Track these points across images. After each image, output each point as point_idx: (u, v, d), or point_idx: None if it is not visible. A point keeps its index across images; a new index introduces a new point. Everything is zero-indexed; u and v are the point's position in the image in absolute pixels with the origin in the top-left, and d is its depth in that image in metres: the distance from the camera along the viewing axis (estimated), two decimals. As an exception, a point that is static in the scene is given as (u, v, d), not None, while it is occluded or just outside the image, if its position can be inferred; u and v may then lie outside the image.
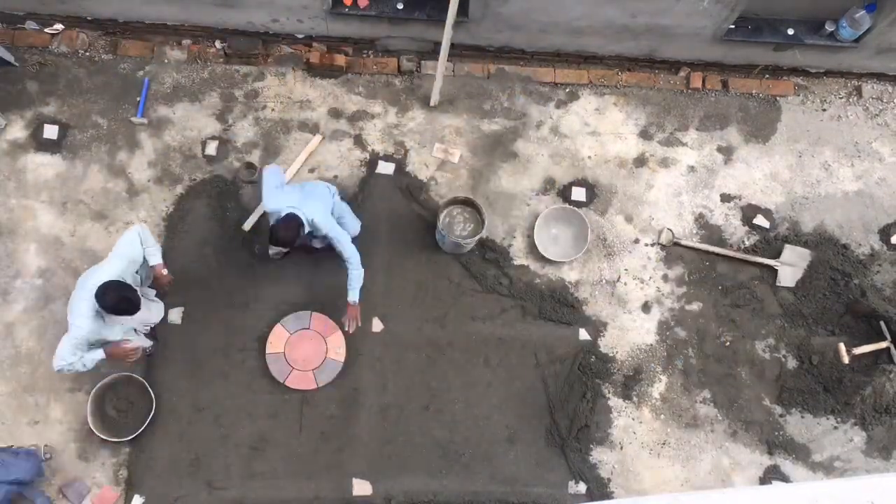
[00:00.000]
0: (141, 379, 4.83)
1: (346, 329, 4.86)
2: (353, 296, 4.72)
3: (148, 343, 4.79)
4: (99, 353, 4.29)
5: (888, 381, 5.14)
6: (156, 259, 4.57)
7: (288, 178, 5.34)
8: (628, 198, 5.59)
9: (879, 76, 5.95)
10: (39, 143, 5.38)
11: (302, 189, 4.70)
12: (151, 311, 4.75)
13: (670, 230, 5.50)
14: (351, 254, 4.62)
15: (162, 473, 4.82)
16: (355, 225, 5.08)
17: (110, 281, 4.13)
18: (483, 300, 5.28)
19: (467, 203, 5.25)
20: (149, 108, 5.51)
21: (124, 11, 5.47)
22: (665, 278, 5.44)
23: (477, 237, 5.13)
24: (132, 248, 4.38)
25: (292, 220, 4.40)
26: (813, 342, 5.33)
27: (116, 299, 4.08)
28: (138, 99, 5.49)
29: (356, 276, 4.67)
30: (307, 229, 4.51)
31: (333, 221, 4.65)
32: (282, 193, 4.58)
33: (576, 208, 5.44)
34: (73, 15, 5.52)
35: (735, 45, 5.56)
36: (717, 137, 5.77)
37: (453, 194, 5.40)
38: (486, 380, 5.13)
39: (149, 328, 4.84)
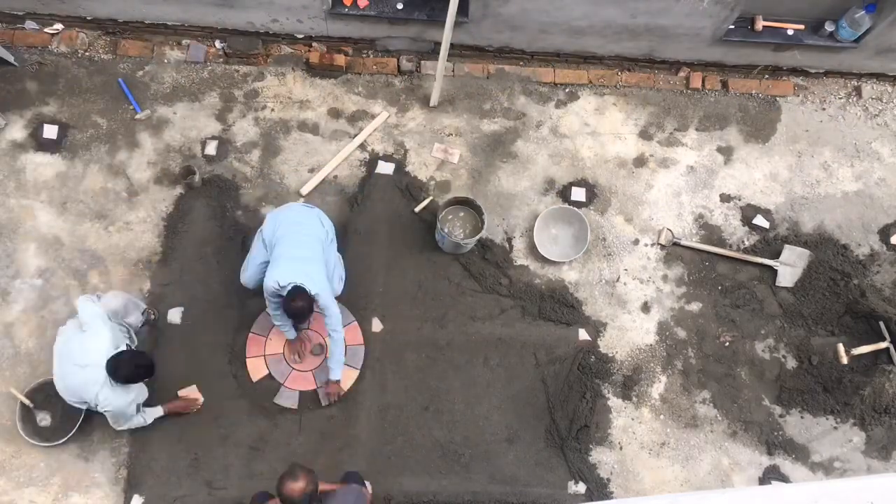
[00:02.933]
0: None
1: (323, 403, 4.93)
2: (337, 373, 4.73)
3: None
4: (158, 411, 4.65)
5: (888, 382, 5.14)
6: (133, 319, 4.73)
7: (345, 153, 5.42)
8: (628, 198, 5.59)
9: (879, 76, 5.95)
10: (39, 143, 5.38)
11: (291, 241, 4.47)
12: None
13: (670, 230, 5.51)
14: (336, 321, 4.53)
15: (161, 473, 4.82)
16: (340, 284, 4.92)
17: (118, 354, 4.24)
18: (483, 300, 5.28)
19: (467, 203, 5.25)
20: (146, 106, 5.51)
21: (124, 11, 5.47)
22: (665, 278, 5.44)
23: (476, 237, 5.13)
24: (107, 312, 4.48)
25: (300, 292, 4.25)
26: (812, 342, 5.33)
27: (130, 373, 4.21)
28: (128, 101, 5.51)
29: (339, 348, 4.62)
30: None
31: (330, 292, 4.51)
32: (276, 267, 4.37)
33: (575, 208, 5.45)
34: (73, 15, 5.52)
35: (735, 45, 5.56)
36: (716, 138, 5.78)
37: (453, 194, 5.40)
38: (485, 380, 5.13)
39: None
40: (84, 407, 4.42)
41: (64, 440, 4.72)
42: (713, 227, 5.57)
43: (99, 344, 4.25)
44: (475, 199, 5.20)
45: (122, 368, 4.19)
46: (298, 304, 4.25)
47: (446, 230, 5.18)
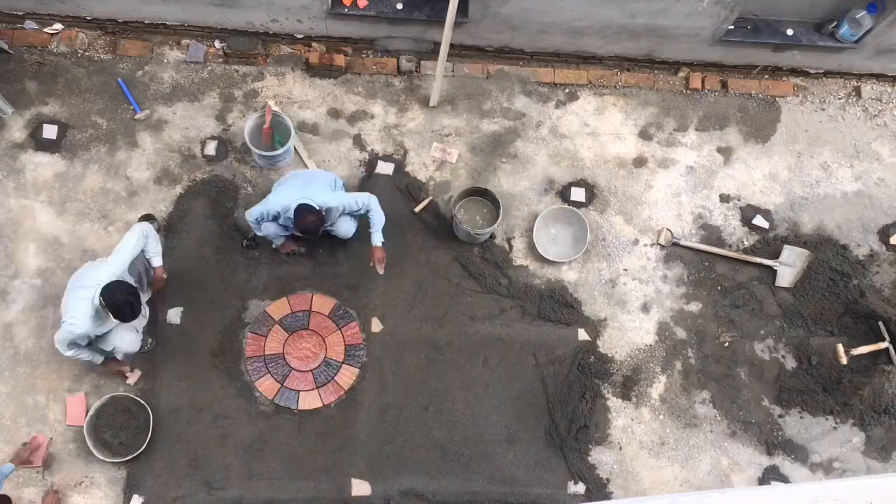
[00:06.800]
0: (135, 398, 4.84)
1: (380, 272, 4.94)
2: (378, 238, 4.84)
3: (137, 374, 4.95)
4: (98, 359, 4.57)
5: (887, 382, 5.14)
6: (157, 260, 4.69)
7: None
8: (627, 198, 5.59)
9: (879, 77, 5.95)
10: (38, 143, 5.38)
11: (299, 178, 4.89)
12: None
13: (669, 230, 5.51)
14: (372, 204, 4.77)
15: (161, 473, 4.82)
16: (350, 226, 4.97)
17: (118, 281, 4.22)
18: (482, 300, 5.28)
19: (483, 193, 5.25)
20: (146, 106, 5.51)
21: (123, 11, 5.47)
22: (664, 279, 5.44)
23: (492, 228, 5.13)
24: (136, 248, 4.47)
25: (309, 209, 4.51)
26: (812, 342, 5.33)
27: (123, 301, 4.14)
28: (128, 101, 5.51)
29: (378, 219, 4.80)
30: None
31: (339, 194, 4.78)
32: (284, 189, 4.74)
33: (575, 209, 5.45)
34: (73, 14, 5.52)
35: (734, 45, 5.56)
36: (716, 138, 5.78)
37: (455, 192, 5.40)
38: (485, 380, 5.14)
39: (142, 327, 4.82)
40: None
41: (133, 455, 4.75)
42: (713, 228, 5.57)
43: (103, 271, 4.28)
44: (492, 189, 5.22)
45: (118, 295, 4.13)
46: (309, 220, 4.48)
47: (460, 218, 5.17)
